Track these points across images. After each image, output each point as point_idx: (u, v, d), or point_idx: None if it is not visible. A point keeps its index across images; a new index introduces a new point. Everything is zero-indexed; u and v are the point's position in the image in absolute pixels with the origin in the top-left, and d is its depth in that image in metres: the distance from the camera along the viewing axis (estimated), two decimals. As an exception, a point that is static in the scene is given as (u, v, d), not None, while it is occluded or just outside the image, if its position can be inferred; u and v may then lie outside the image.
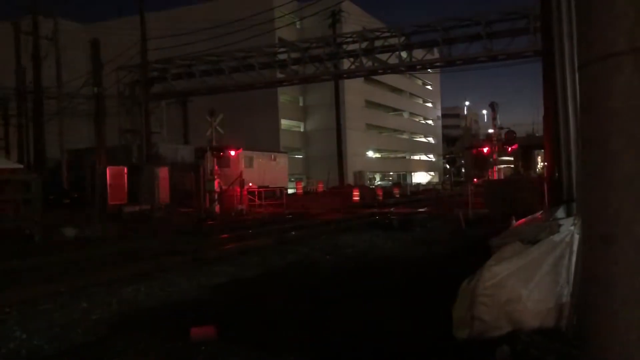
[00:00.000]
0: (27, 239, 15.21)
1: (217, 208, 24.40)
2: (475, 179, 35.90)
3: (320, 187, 45.48)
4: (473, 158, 43.56)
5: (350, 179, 53.23)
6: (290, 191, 41.89)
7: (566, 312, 4.72)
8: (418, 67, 33.88)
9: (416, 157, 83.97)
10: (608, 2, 1.68)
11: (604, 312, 1.76)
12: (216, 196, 24.87)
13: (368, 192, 39.44)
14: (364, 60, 31.15)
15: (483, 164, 37.28)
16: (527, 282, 4.78)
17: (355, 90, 58.83)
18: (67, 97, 32.61)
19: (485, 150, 35.29)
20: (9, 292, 7.96)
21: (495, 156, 34.48)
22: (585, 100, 1.84)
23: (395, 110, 75.86)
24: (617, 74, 1.68)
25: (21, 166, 19.99)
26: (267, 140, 50.50)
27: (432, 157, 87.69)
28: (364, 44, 30.89)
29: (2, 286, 8.47)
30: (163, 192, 23.68)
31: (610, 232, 1.72)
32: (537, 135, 54.39)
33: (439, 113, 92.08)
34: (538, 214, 7.20)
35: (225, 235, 15.74)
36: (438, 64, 32.73)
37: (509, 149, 33.49)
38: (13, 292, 7.88)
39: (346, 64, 33.35)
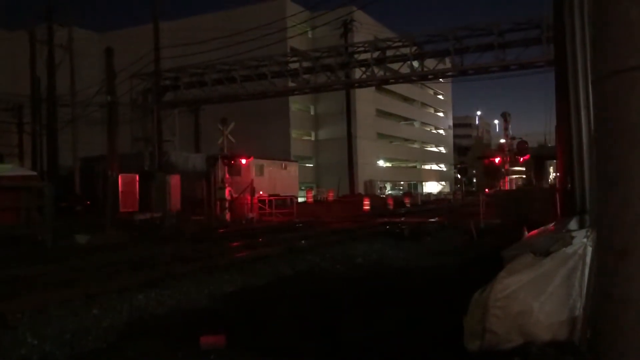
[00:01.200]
0: (40, 246, 15.32)
1: (227, 216, 24.46)
2: (486, 189, 35.74)
3: (331, 196, 45.44)
4: (485, 168, 43.37)
5: (360, 188, 53.17)
6: (300, 200, 41.88)
7: (579, 325, 4.67)
8: (430, 76, 33.85)
9: (427, 167, 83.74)
10: (624, 18, 1.67)
11: (618, 327, 1.73)
12: (227, 204, 24.94)
13: (379, 201, 39.39)
14: (376, 69, 31.20)
15: (495, 174, 37.09)
16: (539, 294, 4.74)
17: (366, 99, 58.89)
18: (80, 105, 32.93)
19: (496, 160, 35.13)
20: (20, 298, 8.01)
21: (507, 166, 34.29)
22: (601, 114, 1.82)
23: (406, 119, 75.79)
24: (633, 88, 1.66)
25: (34, 173, 20.15)
26: (278, 149, 50.60)
27: (443, 167, 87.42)
28: (376, 54, 30.94)
29: (13, 292, 8.53)
30: (174, 199, 23.78)
31: (625, 248, 1.69)
32: (549, 145, 54.04)
33: (451, 122, 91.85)
34: (550, 225, 7.14)
35: (236, 244, 15.76)
36: (450, 73, 32.63)
37: (521, 159, 33.31)
38: (25, 299, 7.93)
39: (358, 73, 33.39)
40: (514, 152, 33.00)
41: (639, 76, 1.64)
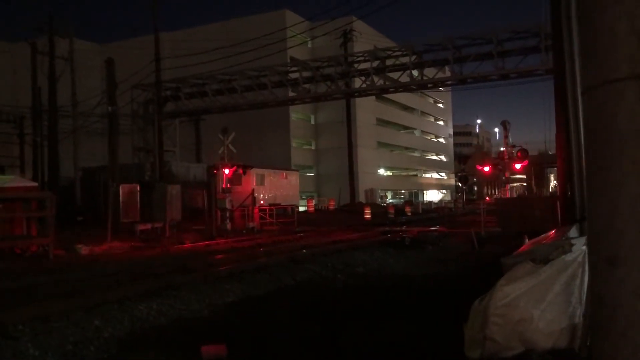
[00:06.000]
0: (41, 257, 15.33)
1: (228, 226, 24.45)
2: (487, 198, 35.70)
3: (332, 205, 45.44)
4: (485, 176, 43.36)
5: (361, 197, 53.17)
6: (301, 209, 41.89)
7: (579, 332, 4.68)
8: (429, 85, 33.98)
9: (428, 175, 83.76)
10: (611, 29, 1.71)
11: (611, 333, 1.76)
12: (228, 214, 24.94)
13: (380, 210, 39.33)
14: (376, 78, 31.31)
15: (494, 182, 37.06)
16: (539, 302, 4.75)
17: (366, 108, 59.05)
18: (81, 116, 33.04)
19: (497, 168, 35.10)
20: (22, 309, 8.01)
21: (507, 174, 34.27)
22: (589, 124, 1.86)
23: (406, 128, 75.91)
24: (620, 99, 1.70)
25: (35, 184, 20.17)
26: (278, 158, 50.68)
27: (443, 175, 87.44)
28: (375, 63, 31.07)
29: (15, 303, 8.53)
30: (175, 209, 23.75)
31: (615, 254, 1.73)
32: (549, 153, 54.07)
33: (451, 131, 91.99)
34: (550, 233, 7.15)
35: (236, 253, 15.75)
36: (449, 82, 32.75)
37: (521, 167, 33.30)
38: (26, 310, 7.93)
39: (358, 82, 33.52)
40: (514, 160, 32.98)
41: (626, 87, 1.68)
